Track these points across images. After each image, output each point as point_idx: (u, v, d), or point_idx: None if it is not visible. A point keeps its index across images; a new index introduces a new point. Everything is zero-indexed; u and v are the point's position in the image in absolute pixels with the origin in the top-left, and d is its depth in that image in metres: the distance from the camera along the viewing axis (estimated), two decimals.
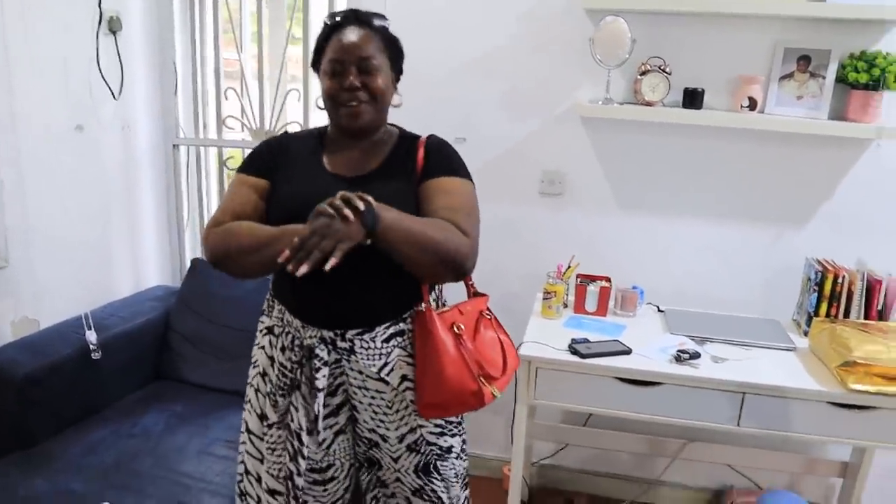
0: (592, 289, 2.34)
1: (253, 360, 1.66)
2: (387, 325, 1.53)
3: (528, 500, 2.66)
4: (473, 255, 1.48)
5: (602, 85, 2.35)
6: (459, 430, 1.66)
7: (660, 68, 2.31)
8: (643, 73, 2.32)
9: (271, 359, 1.59)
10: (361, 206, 1.27)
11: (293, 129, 2.78)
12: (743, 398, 1.93)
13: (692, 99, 2.31)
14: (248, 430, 1.65)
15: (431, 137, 1.63)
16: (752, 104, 2.28)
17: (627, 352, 2.04)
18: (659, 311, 2.42)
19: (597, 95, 2.39)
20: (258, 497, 1.64)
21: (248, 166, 1.60)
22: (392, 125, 1.66)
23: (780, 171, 2.38)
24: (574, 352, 2.03)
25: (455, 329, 1.53)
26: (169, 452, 2.04)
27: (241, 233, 1.45)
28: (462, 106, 2.54)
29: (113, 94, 2.51)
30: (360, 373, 1.53)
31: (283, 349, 1.56)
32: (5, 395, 2.03)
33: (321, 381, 1.50)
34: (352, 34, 1.50)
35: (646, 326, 2.27)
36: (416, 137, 1.63)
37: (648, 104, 2.33)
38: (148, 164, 2.76)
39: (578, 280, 2.37)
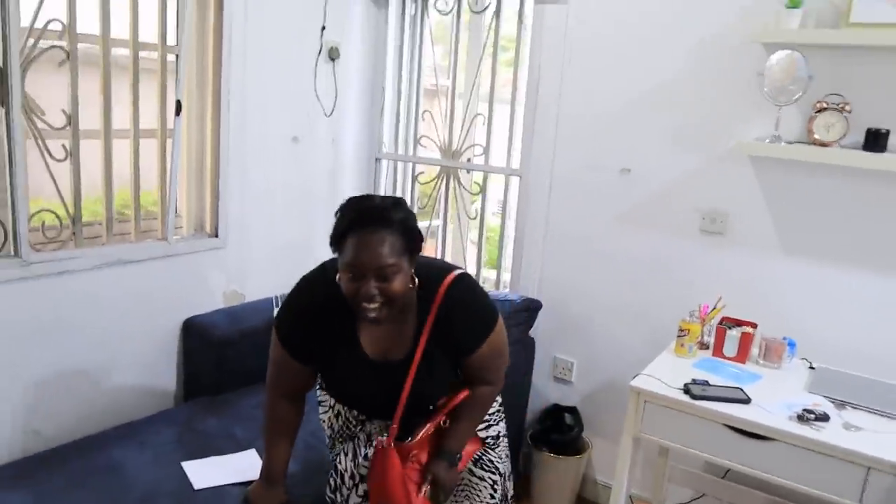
0: (733, 333, 2.24)
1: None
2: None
3: None
4: (500, 389, 1.85)
5: (773, 123, 2.24)
6: (501, 417, 1.94)
7: (838, 106, 2.14)
8: (819, 111, 2.17)
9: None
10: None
11: (477, 152, 3.03)
12: (867, 473, 1.73)
13: (875, 140, 2.11)
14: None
15: (444, 302, 1.63)
16: None
17: (746, 401, 1.94)
18: (810, 367, 2.22)
19: (767, 133, 2.28)
20: None
21: (289, 345, 1.68)
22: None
23: None
24: (686, 391, 1.98)
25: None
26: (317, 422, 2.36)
27: (265, 430, 1.79)
28: (629, 138, 2.58)
29: (325, 112, 2.96)
30: None
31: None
32: (206, 349, 2.54)
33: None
34: (371, 240, 1.48)
35: (785, 381, 2.12)
36: (432, 299, 1.63)
37: (823, 145, 2.17)
38: (352, 173, 3.20)
39: (721, 322, 2.28)
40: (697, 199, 2.48)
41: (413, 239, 1.55)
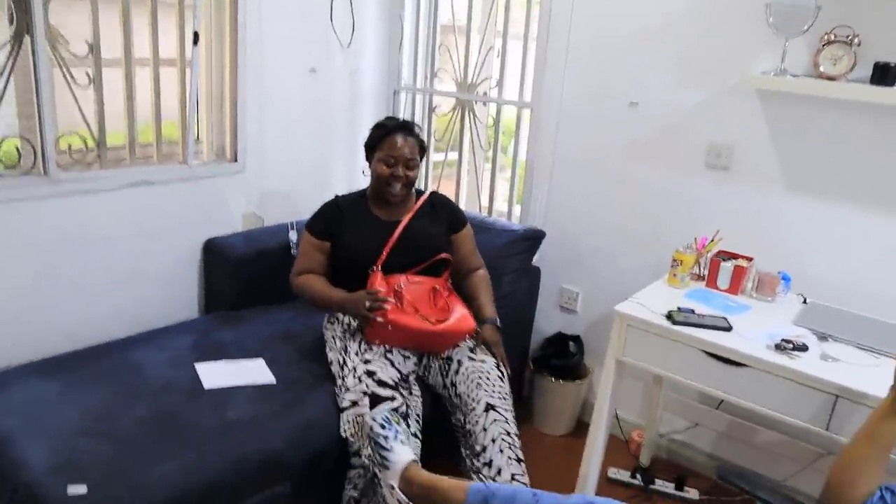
0: (726, 265, 2.27)
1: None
2: None
3: (647, 468, 2.68)
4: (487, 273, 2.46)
5: (780, 56, 2.21)
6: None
7: (846, 39, 2.10)
8: (826, 44, 2.13)
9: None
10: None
11: (491, 85, 3.07)
12: (835, 401, 1.77)
13: (883, 74, 2.06)
14: None
15: (434, 193, 2.44)
16: None
17: (726, 329, 1.99)
18: (804, 302, 2.24)
19: (774, 67, 2.25)
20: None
21: (315, 229, 2.32)
22: None
23: None
24: (669, 317, 2.03)
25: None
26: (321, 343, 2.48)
27: (314, 290, 2.27)
28: (637, 71, 2.57)
29: (342, 44, 3.02)
30: None
31: None
32: (223, 268, 2.70)
33: None
34: (401, 139, 2.25)
35: (774, 313, 2.15)
36: (422, 193, 2.41)
37: (830, 78, 2.14)
38: (371, 105, 3.27)
39: (716, 255, 2.31)
40: (704, 133, 2.48)
41: (423, 147, 2.35)
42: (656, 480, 2.54)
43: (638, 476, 2.56)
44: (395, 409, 1.97)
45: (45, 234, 2.31)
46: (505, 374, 2.16)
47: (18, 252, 2.26)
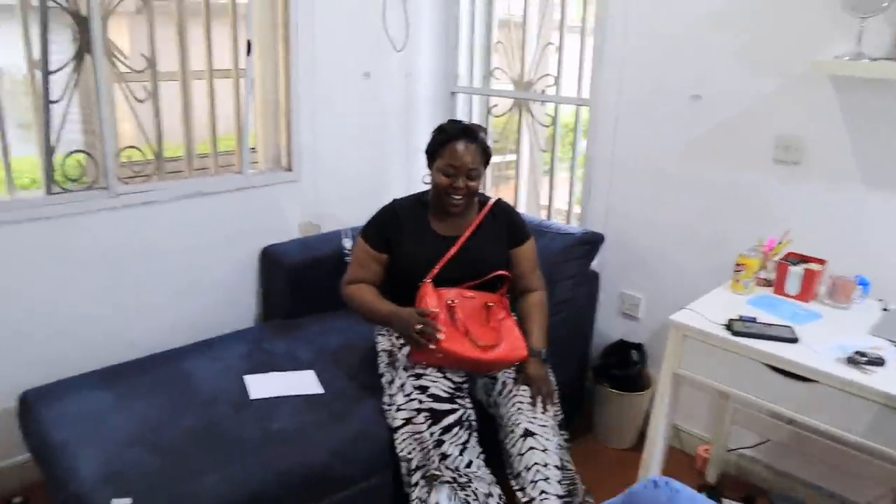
0: (795, 269, 2.09)
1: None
2: None
3: (714, 486, 2.52)
4: (545, 295, 2.27)
5: (856, 38, 2.02)
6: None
7: None
8: None
9: None
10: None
11: (549, 83, 2.97)
12: None
13: None
14: None
15: (498, 202, 2.27)
16: None
17: (792, 340, 1.83)
18: (884, 309, 2.04)
19: (849, 51, 2.06)
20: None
21: (371, 239, 2.19)
22: None
23: None
24: (728, 327, 1.89)
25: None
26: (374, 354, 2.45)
27: (364, 301, 2.15)
28: (698, 62, 2.42)
29: (395, 47, 2.99)
30: None
31: None
32: (279, 275, 2.72)
33: None
34: (463, 147, 2.06)
35: (849, 322, 1.97)
36: (486, 202, 2.24)
37: None
38: (427, 108, 3.23)
39: (784, 258, 2.14)
40: (771, 125, 2.30)
41: (487, 154, 2.16)
42: (724, 500, 2.38)
43: (703, 494, 2.41)
44: (460, 420, 1.94)
45: (106, 246, 2.39)
46: (549, 406, 2.04)
47: (81, 264, 2.35)
